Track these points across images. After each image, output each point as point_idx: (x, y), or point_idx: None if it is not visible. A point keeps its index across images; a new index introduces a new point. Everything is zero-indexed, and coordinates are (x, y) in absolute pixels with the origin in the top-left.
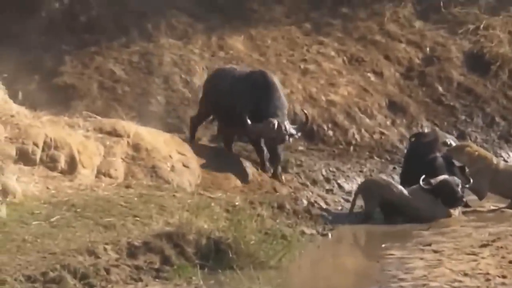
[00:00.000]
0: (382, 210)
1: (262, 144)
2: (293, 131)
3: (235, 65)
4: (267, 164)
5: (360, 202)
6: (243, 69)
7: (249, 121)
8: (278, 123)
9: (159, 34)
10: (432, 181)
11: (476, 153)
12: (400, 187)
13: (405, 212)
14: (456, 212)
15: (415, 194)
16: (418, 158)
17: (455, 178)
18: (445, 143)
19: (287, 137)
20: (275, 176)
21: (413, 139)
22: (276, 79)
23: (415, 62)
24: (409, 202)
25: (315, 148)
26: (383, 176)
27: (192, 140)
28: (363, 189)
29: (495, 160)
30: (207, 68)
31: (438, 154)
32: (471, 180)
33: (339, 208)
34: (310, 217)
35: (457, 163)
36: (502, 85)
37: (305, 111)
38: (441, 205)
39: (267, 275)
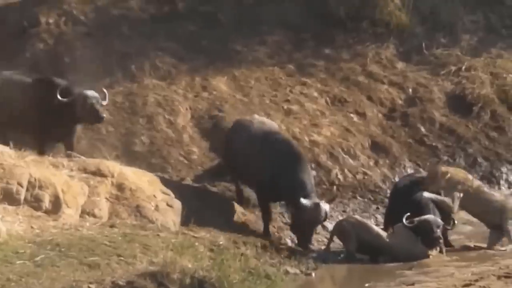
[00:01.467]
0: (360, 250)
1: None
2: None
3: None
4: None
5: (338, 240)
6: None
7: (304, 202)
8: (323, 208)
9: (143, 75)
10: (416, 219)
11: (448, 174)
12: (376, 227)
13: (382, 251)
14: (433, 252)
15: (398, 232)
16: (404, 198)
17: (438, 219)
18: None
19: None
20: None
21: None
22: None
23: (398, 103)
24: (385, 241)
25: None
26: (362, 216)
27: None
28: (337, 230)
29: (470, 177)
30: (190, 108)
31: (424, 194)
32: (455, 222)
33: (323, 247)
34: (294, 256)
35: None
36: (484, 126)
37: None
38: (421, 245)
39: None
